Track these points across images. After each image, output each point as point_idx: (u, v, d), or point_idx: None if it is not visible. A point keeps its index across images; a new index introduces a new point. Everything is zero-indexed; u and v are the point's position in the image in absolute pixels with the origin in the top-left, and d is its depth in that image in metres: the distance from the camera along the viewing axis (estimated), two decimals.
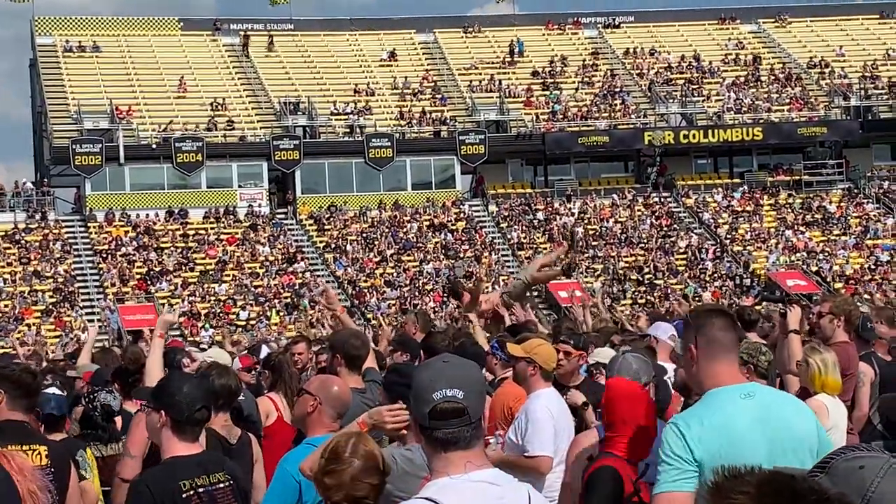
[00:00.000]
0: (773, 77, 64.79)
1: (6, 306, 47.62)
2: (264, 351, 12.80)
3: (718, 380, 4.49)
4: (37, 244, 51.66)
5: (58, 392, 7.33)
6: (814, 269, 52.11)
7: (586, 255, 53.67)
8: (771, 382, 7.06)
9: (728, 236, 55.48)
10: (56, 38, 62.51)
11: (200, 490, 5.13)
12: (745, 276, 52.23)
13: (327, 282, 49.83)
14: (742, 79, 64.57)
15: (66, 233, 53.15)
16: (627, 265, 53.08)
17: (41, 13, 64.25)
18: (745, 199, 58.35)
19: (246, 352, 14.08)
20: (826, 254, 53.88)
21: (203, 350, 14.29)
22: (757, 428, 4.36)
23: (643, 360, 6.11)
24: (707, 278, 52.04)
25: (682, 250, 54.25)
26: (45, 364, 12.82)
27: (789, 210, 57.68)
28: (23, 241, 51.70)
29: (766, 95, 63.00)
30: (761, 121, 60.54)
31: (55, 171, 57.12)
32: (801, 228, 56.10)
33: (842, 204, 58.08)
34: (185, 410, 5.19)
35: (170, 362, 8.85)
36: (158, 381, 5.79)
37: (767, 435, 4.36)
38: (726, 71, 65.54)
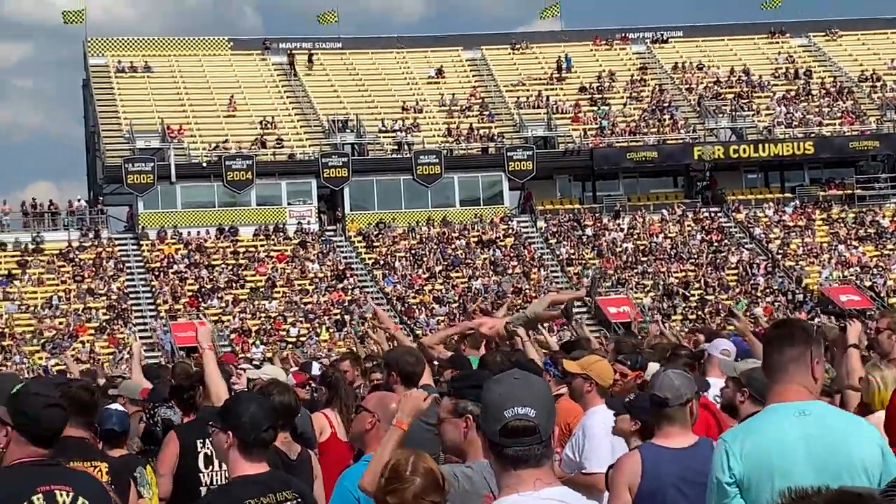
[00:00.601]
0: (824, 91, 64.32)
1: (60, 324, 48.11)
2: (315, 368, 12.85)
3: (779, 396, 4.47)
4: (90, 262, 52.20)
5: (120, 408, 7.41)
6: (867, 284, 51.60)
7: (635, 270, 53.47)
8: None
9: (780, 251, 55.06)
10: (108, 58, 63.22)
11: None
12: (797, 291, 51.80)
13: (376, 298, 49.95)
14: (793, 93, 64.15)
15: (119, 251, 53.66)
16: (677, 280, 52.79)
17: (94, 34, 65.24)
18: (797, 213, 57.90)
19: (297, 369, 14.14)
20: (879, 268, 53.35)
21: (256, 367, 14.34)
22: (802, 446, 4.32)
23: (685, 377, 6.06)
24: (759, 294, 51.65)
25: (732, 266, 53.89)
26: (103, 381, 12.92)
27: (842, 224, 57.18)
28: (77, 259, 52.25)
29: (817, 109, 62.53)
30: (812, 135, 60.08)
31: (108, 189, 57.72)
32: (854, 243, 55.58)
33: (895, 218, 57.50)
34: (251, 431, 5.22)
35: (226, 377, 8.89)
36: (225, 401, 5.81)
37: (815, 453, 4.31)
38: (776, 85, 65.14)
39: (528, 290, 51.39)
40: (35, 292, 50.16)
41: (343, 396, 8.86)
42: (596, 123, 61.46)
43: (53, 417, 4.85)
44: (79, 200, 57.19)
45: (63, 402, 4.98)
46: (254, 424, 5.22)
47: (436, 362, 9.92)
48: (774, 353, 4.54)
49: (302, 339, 46.94)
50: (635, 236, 56.17)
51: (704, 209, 58.38)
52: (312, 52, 65.74)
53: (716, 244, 55.63)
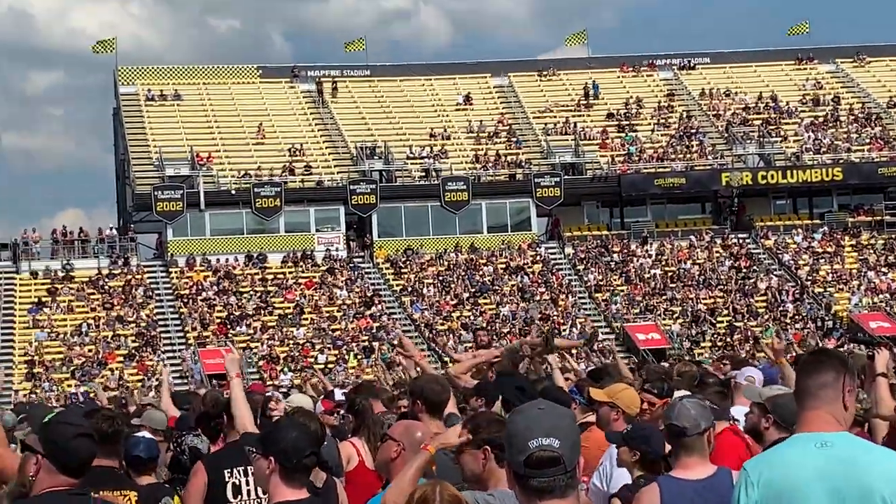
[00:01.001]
0: (852, 117, 64.11)
1: (90, 351, 48.33)
2: (338, 395, 12.83)
3: (806, 424, 4.44)
4: (120, 289, 52.46)
5: (148, 435, 7.44)
6: None
7: (664, 296, 53.31)
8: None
9: (809, 278, 54.80)
10: (138, 86, 63.71)
11: None
12: (826, 318, 51.52)
13: (404, 325, 49.98)
14: (821, 119, 63.97)
15: (148, 278, 53.91)
16: (706, 307, 52.60)
17: (124, 63, 65.69)
18: (826, 239, 57.64)
19: (324, 396, 14.13)
20: None
21: (284, 395, 14.37)
22: (820, 478, 4.25)
23: (702, 405, 6.02)
24: (788, 320, 51.39)
25: (761, 292, 53.66)
26: (133, 408, 12.98)
27: (871, 251, 56.87)
28: (106, 287, 52.51)
29: (845, 135, 62.33)
30: (841, 161, 59.87)
31: (137, 217, 58.05)
32: (884, 269, 55.24)
33: None
34: (293, 457, 5.26)
35: (253, 406, 8.90)
36: (266, 427, 5.85)
37: (832, 486, 4.23)
38: (804, 111, 64.97)
39: (555, 317, 51.33)
40: (65, 320, 50.44)
41: (370, 425, 8.85)
42: (623, 150, 61.44)
43: (82, 447, 4.90)
44: (110, 229, 57.52)
45: (92, 432, 5.02)
46: (295, 450, 5.26)
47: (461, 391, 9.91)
48: (806, 380, 4.52)
49: (330, 365, 46.99)
50: (663, 262, 56.04)
51: (733, 235, 58.22)
52: (337, 79, 66.02)
53: (744, 270, 55.42)
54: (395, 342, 40.83)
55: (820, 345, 39.21)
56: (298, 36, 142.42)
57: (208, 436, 8.51)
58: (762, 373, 9.54)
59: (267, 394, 13.92)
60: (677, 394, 8.99)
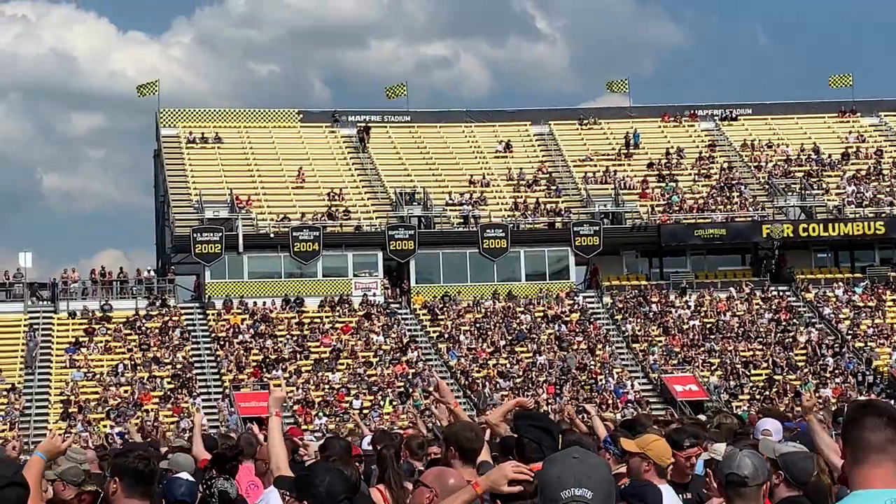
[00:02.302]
0: (895, 170, 63.66)
1: (125, 392, 48.41)
2: (366, 442, 12.72)
3: (867, 482, 4.24)
4: (156, 330, 52.60)
5: (189, 478, 7.38)
6: None
7: (702, 348, 52.87)
8: None
9: (849, 332, 54.22)
10: (180, 129, 64.24)
11: None
12: (867, 372, 50.91)
13: (440, 372, 49.79)
14: (863, 172, 63.56)
15: (186, 320, 54.04)
16: (745, 359, 52.10)
17: (166, 105, 66.26)
18: (867, 293, 57.07)
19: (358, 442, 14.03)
20: None
21: (318, 440, 14.27)
22: None
23: (760, 457, 5.90)
24: (827, 374, 50.82)
25: (801, 345, 53.11)
26: (164, 450, 12.90)
27: None
28: (143, 328, 52.66)
29: (888, 189, 61.87)
30: (883, 214, 59.39)
31: (176, 259, 58.33)
32: None
33: None
34: (327, 501, 5.21)
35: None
36: (300, 471, 5.81)
37: None
38: (846, 164, 64.59)
39: (592, 366, 51.00)
40: (101, 360, 50.59)
41: (392, 473, 8.79)
42: (664, 199, 61.23)
43: (9, 497, 4.86)
44: (148, 271, 57.78)
45: (22, 480, 4.98)
46: (330, 495, 5.23)
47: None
48: (863, 433, 4.31)
49: (365, 410, 46.81)
50: (702, 314, 55.63)
51: (773, 287, 57.75)
52: (378, 125, 66.29)
53: (784, 323, 54.91)
54: (432, 388, 40.68)
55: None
56: (338, 82, 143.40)
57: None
58: (799, 427, 9.33)
59: (297, 437, 13.79)
60: (714, 446, 8.80)
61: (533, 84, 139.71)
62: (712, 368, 51.39)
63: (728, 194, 61.67)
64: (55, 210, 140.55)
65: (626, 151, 65.70)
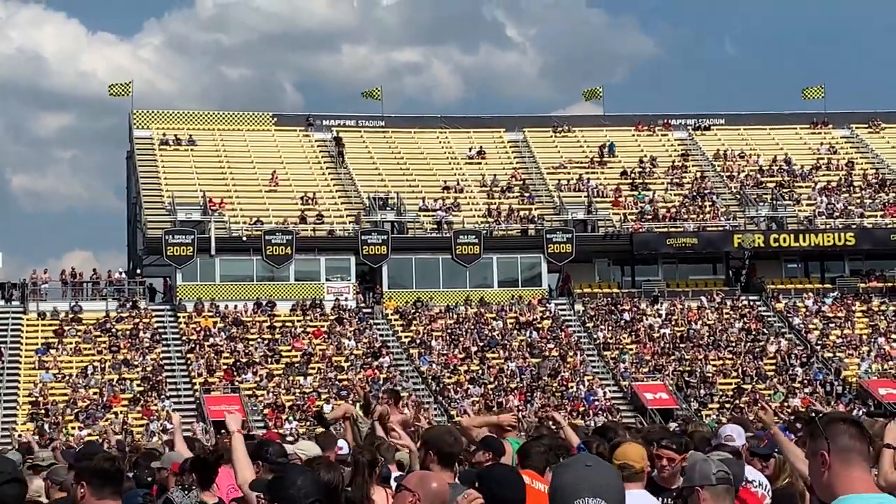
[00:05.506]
0: (866, 182, 64.12)
1: (95, 394, 48.13)
2: (342, 445, 12.70)
3: (853, 487, 4.33)
4: (127, 333, 52.33)
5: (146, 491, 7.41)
6: None
7: (672, 356, 53.06)
8: None
9: (818, 342, 54.53)
10: (153, 131, 63.99)
11: None
12: (835, 382, 51.21)
13: (411, 377, 49.76)
14: (834, 183, 63.97)
15: (156, 322, 53.80)
16: (715, 368, 52.32)
17: (139, 107, 66.00)
18: (837, 304, 57.42)
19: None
20: None
21: (291, 443, 14.22)
22: None
23: (736, 465, 5.96)
24: (796, 384, 51.10)
25: (771, 355, 53.39)
26: (135, 453, 12.87)
27: (882, 317, 56.62)
28: (113, 330, 52.39)
29: (858, 200, 62.28)
30: (854, 226, 59.78)
31: (147, 261, 58.06)
32: (894, 336, 54.99)
33: None
34: (301, 503, 5.20)
35: (260, 455, 8.83)
36: (274, 473, 5.80)
37: None
38: (818, 175, 64.98)
39: (564, 373, 51.10)
40: (71, 362, 50.30)
41: (362, 479, 8.77)
42: (636, 208, 61.43)
43: (8, 493, 4.84)
44: (119, 272, 57.48)
45: (22, 477, 4.99)
46: (301, 496, 5.20)
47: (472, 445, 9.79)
48: (849, 441, 4.39)
49: None
50: (673, 322, 55.83)
51: (743, 297, 58.03)
52: (352, 129, 66.21)
53: (754, 333, 55.18)
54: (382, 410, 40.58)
55: (833, 408, 38.93)
56: (310, 86, 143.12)
57: (200, 482, 8.44)
58: (767, 438, 9.40)
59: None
60: (690, 454, 8.85)
61: (503, 91, 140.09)
62: (683, 377, 51.55)
63: (700, 203, 61.95)
64: (24, 210, 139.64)
65: (599, 160, 65.87)
